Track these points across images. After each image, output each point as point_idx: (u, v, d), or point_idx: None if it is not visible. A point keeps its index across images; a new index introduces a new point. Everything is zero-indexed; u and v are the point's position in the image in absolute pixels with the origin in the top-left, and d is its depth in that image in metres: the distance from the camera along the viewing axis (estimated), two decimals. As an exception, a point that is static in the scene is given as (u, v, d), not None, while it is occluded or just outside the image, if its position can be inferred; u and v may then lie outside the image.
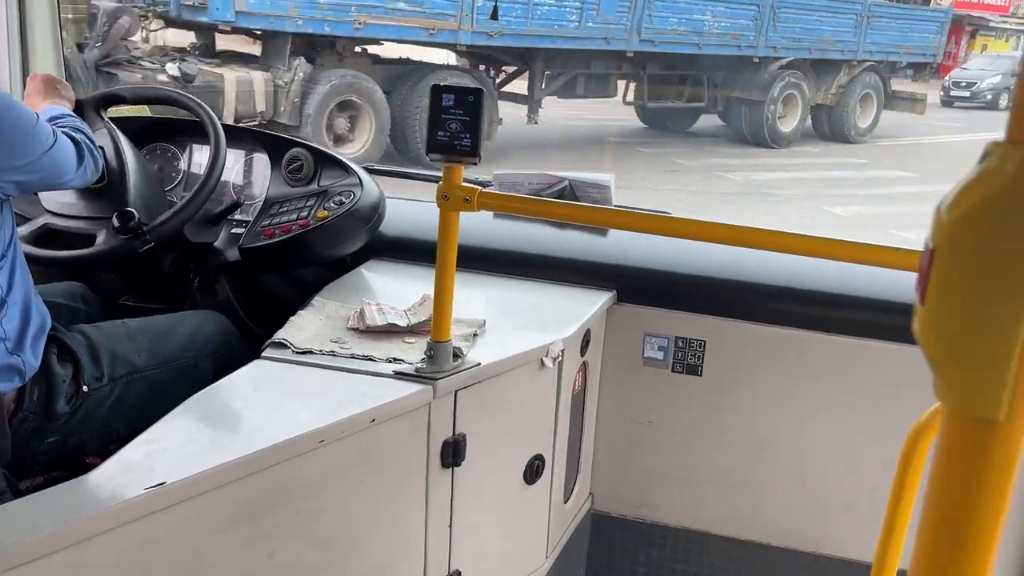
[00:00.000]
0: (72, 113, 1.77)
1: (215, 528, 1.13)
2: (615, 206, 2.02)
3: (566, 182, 2.12)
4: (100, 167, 1.70)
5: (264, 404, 1.30)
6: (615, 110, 12.76)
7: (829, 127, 13.33)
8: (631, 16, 10.63)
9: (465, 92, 1.33)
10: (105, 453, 1.24)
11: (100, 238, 1.76)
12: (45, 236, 1.82)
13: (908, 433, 0.94)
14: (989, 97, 18.72)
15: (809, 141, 13.05)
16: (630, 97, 12.23)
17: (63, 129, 1.57)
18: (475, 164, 1.36)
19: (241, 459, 1.13)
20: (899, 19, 13.68)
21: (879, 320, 1.74)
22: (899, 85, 14.29)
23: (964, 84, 19.27)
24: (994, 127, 12.35)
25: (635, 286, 1.88)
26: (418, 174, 2.47)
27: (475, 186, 1.37)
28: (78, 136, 1.60)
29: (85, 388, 1.52)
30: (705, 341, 1.84)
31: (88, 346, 1.56)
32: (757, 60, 12.08)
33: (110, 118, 1.91)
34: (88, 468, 1.15)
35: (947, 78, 19.50)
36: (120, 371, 1.57)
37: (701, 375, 1.86)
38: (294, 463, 1.20)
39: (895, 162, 12.08)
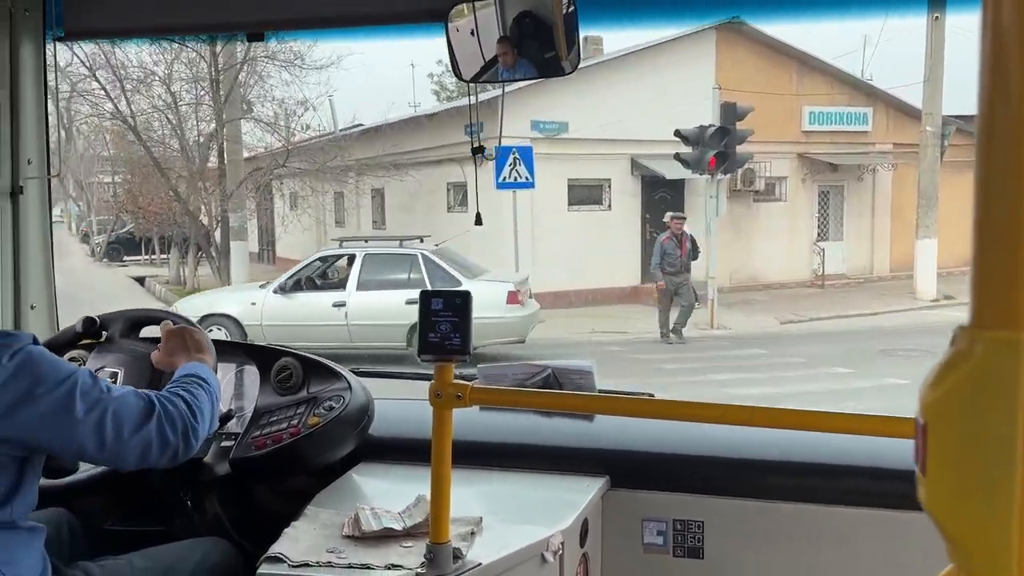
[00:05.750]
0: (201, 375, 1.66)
1: None
2: (599, 391, 2.05)
3: (549, 370, 2.16)
4: (173, 449, 1.50)
5: None
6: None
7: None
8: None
9: (453, 296, 1.40)
10: None
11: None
12: None
13: None
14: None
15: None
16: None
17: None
18: (465, 362, 1.41)
19: None
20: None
21: (879, 488, 1.72)
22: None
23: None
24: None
25: (628, 470, 1.87)
26: (406, 373, 2.50)
27: (465, 382, 1.41)
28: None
29: None
30: (703, 522, 1.82)
31: None
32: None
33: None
34: None
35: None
36: None
37: (703, 558, 1.82)
38: None
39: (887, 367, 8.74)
